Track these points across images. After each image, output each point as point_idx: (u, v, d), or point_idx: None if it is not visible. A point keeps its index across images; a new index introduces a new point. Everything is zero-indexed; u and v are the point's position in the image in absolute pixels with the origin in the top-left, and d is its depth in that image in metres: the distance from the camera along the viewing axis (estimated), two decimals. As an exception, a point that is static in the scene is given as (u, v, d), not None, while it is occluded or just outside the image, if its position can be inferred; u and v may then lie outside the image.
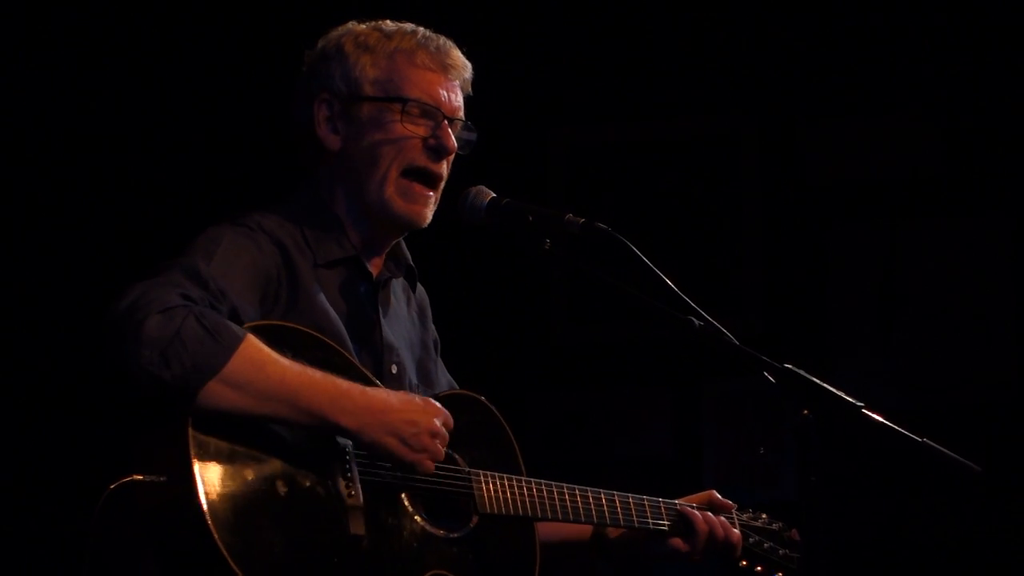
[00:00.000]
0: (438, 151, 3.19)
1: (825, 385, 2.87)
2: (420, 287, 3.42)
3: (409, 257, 3.34)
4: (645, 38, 6.24)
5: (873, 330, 5.98)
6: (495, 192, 3.23)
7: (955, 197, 5.99)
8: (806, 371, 2.90)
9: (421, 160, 3.18)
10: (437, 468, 3.01)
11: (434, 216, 3.26)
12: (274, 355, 2.85)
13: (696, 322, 3.02)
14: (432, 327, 3.44)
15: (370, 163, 3.17)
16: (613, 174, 6.25)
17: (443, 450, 2.99)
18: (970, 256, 5.96)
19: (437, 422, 2.97)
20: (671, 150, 6.23)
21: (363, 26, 3.25)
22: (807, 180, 6.13)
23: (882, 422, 2.88)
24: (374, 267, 3.24)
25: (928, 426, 3.00)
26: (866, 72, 6.07)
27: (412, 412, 2.96)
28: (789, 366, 2.91)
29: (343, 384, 2.91)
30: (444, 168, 3.21)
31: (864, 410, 2.87)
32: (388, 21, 3.26)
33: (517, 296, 6.25)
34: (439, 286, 5.74)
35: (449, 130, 3.19)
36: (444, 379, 3.42)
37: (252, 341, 2.82)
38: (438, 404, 3.02)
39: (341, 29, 3.26)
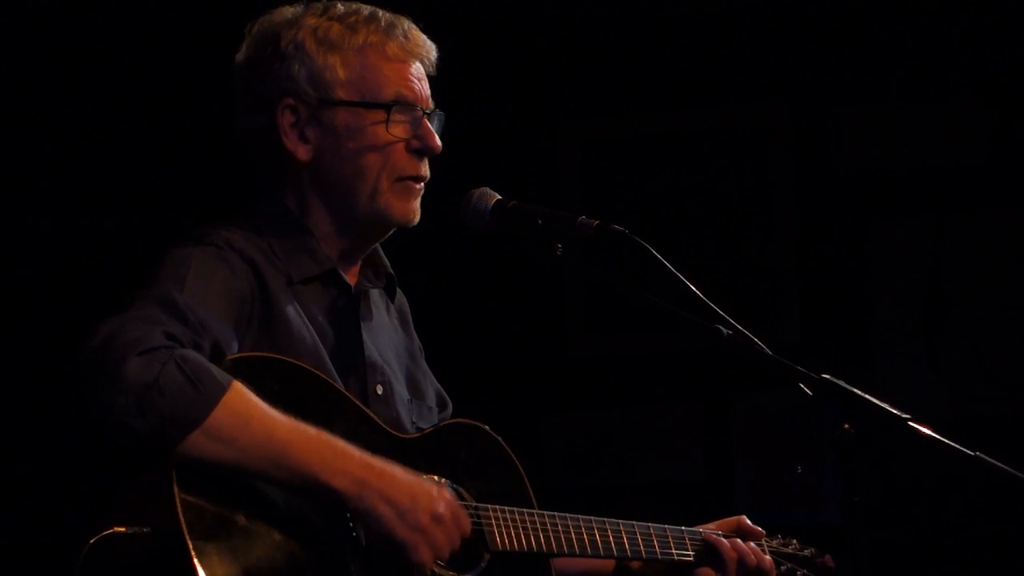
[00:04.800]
0: (422, 152, 3.21)
1: (867, 396, 2.86)
2: (399, 292, 3.41)
3: (388, 265, 3.34)
4: (663, 21, 6.24)
5: (920, 334, 6.00)
6: (501, 194, 3.22)
7: (1006, 186, 5.99)
8: (846, 381, 2.89)
9: (411, 169, 3.19)
10: None
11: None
12: (262, 407, 2.82)
13: (725, 331, 3.00)
14: (415, 334, 3.44)
15: (354, 174, 3.17)
16: (631, 171, 6.26)
17: (447, 546, 2.93)
18: (1024, 250, 5.98)
19: (441, 508, 2.91)
20: (694, 143, 6.24)
21: (313, 17, 3.21)
22: (844, 172, 6.13)
23: (931, 435, 2.86)
24: (351, 276, 3.24)
25: (982, 439, 3.00)
26: (906, 52, 6.06)
27: (415, 487, 2.91)
28: (827, 376, 2.91)
29: (339, 443, 2.87)
30: (427, 167, 3.24)
31: (911, 422, 2.86)
32: (339, 5, 3.23)
33: (527, 307, 6.25)
34: (440, 298, 5.71)
35: (431, 127, 3.21)
36: (432, 388, 3.41)
37: (237, 390, 2.79)
38: (451, 495, 2.96)
39: (287, 16, 3.21)
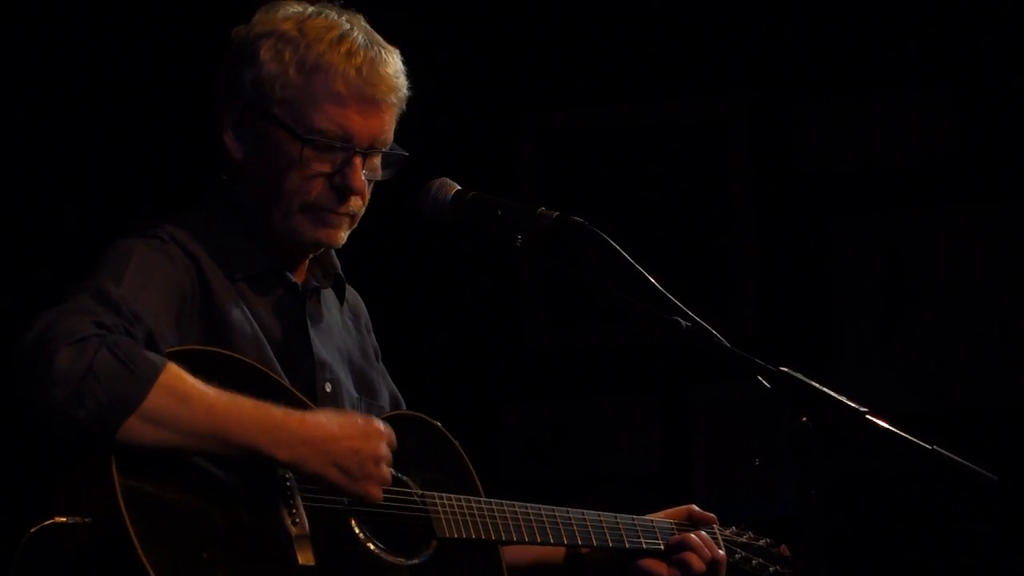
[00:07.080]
0: (342, 191, 3.13)
1: (824, 389, 2.87)
2: (352, 291, 3.39)
3: (338, 265, 3.32)
4: (623, 12, 6.24)
5: (878, 330, 6.02)
6: (460, 184, 3.22)
7: (967, 185, 6.02)
8: (804, 375, 2.91)
9: (324, 200, 3.13)
10: (387, 492, 3.01)
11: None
12: (198, 385, 2.82)
13: (683, 323, 3.01)
14: (370, 335, 3.43)
15: (271, 190, 3.13)
16: (590, 163, 6.28)
17: (390, 473, 2.99)
18: (984, 249, 6.00)
19: (381, 446, 2.96)
20: (653, 136, 6.26)
21: (288, 22, 3.14)
22: (803, 166, 6.15)
23: (887, 428, 2.88)
24: (298, 276, 3.22)
25: (940, 433, 3.01)
26: (868, 47, 6.08)
27: (353, 439, 2.94)
28: (785, 369, 2.92)
29: (278, 413, 2.88)
30: (351, 206, 3.15)
31: (867, 415, 2.87)
32: (325, 14, 3.16)
33: (486, 298, 6.26)
34: (399, 289, 5.72)
35: (359, 166, 3.13)
36: (387, 389, 3.41)
37: (172, 371, 2.80)
38: (380, 423, 2.99)
39: (276, 15, 3.17)
